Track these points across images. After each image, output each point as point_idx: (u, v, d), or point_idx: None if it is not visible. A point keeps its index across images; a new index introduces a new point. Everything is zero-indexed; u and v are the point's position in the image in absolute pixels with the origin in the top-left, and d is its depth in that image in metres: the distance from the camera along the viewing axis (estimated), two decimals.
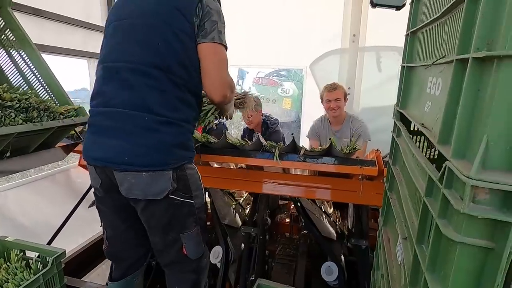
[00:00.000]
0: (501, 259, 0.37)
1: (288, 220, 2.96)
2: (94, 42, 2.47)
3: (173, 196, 1.08)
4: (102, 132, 1.07)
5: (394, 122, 0.97)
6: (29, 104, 1.15)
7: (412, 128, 0.88)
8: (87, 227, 2.58)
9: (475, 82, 0.38)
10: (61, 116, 1.28)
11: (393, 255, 0.86)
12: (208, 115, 1.44)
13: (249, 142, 1.59)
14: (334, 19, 3.25)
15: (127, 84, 1.05)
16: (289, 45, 3.55)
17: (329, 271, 1.78)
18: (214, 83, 1.09)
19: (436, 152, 0.74)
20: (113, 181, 1.10)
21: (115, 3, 1.19)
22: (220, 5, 1.14)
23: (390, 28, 2.74)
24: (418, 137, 0.85)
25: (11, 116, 1.06)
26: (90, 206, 2.23)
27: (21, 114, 1.11)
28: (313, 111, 3.54)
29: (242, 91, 1.81)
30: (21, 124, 1.09)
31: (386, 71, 3.17)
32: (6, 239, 1.72)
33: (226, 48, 1.10)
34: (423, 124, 0.65)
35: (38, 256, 1.71)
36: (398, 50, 3.05)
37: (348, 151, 1.47)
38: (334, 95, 2.35)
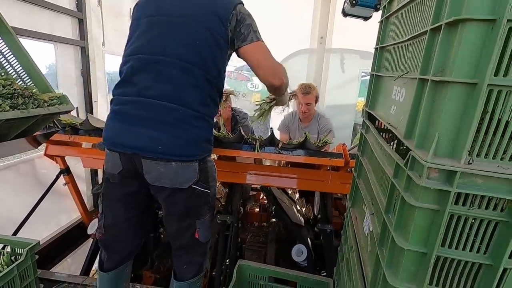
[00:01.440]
0: (443, 217, 0.55)
1: (257, 209, 3.13)
2: (62, 26, 2.34)
3: (195, 186, 1.17)
4: (134, 121, 1.10)
5: (363, 120, 1.16)
6: (13, 91, 1.13)
7: (376, 126, 1.07)
8: (52, 220, 2.48)
9: (431, 96, 0.55)
10: (45, 104, 1.26)
11: (360, 230, 1.05)
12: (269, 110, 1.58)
13: (231, 134, 1.70)
14: (304, 21, 3.45)
15: (165, 77, 1.10)
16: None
17: (299, 252, 1.98)
18: (267, 71, 1.21)
19: (394, 146, 0.94)
20: (138, 168, 1.14)
21: (142, 1, 1.21)
22: None
23: (354, 33, 3.02)
24: (381, 133, 1.04)
25: None
26: (95, 191, 2.17)
27: (7, 101, 1.09)
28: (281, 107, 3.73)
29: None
30: (7, 111, 1.07)
31: (348, 72, 3.47)
32: None
33: (263, 41, 1.22)
34: (389, 123, 0.82)
35: (3, 248, 1.65)
36: (359, 53, 3.36)
37: (320, 144, 1.66)
38: (306, 99, 2.54)
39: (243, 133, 1.68)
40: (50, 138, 1.84)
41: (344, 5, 1.92)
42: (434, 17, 0.56)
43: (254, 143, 1.64)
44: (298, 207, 2.68)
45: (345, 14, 1.89)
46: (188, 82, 1.10)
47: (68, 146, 2.12)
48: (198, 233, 1.24)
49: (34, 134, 1.44)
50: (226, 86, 5.04)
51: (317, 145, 1.67)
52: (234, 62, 4.85)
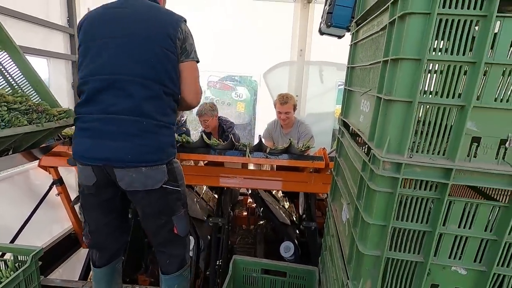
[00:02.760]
0: (395, 198, 0.75)
1: (245, 213, 3.29)
2: (55, 41, 2.43)
3: (166, 186, 1.33)
4: (104, 135, 1.24)
5: (339, 126, 1.38)
6: (28, 107, 1.25)
7: (350, 131, 1.29)
8: (45, 229, 2.51)
9: (384, 110, 0.76)
10: (55, 118, 1.38)
11: (339, 219, 1.25)
12: None
13: (222, 142, 1.87)
14: (283, 34, 3.71)
15: (127, 94, 1.24)
16: (242, 54, 3.89)
17: (287, 249, 2.16)
18: (192, 92, 1.39)
19: (365, 148, 1.15)
20: (111, 177, 1.28)
21: (90, 22, 1.31)
22: None
23: (331, 47, 3.30)
24: (354, 137, 1.25)
25: (18, 117, 1.16)
26: (73, 204, 2.23)
27: (24, 116, 1.21)
28: (265, 115, 3.95)
29: None
30: (25, 125, 1.19)
31: (326, 82, 3.76)
32: None
33: (198, 62, 1.40)
34: (359, 129, 1.04)
35: (1, 256, 1.71)
36: (336, 65, 3.65)
37: (303, 149, 1.87)
38: (284, 109, 2.77)
39: (233, 140, 1.85)
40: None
41: (320, 25, 2.17)
42: (385, 52, 0.78)
43: (245, 149, 1.82)
44: (284, 208, 2.87)
45: (321, 33, 2.14)
46: (147, 95, 1.25)
47: (61, 157, 2.20)
48: (176, 228, 1.40)
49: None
50: (211, 96, 5.18)
51: (301, 149, 1.87)
52: (218, 73, 5.04)
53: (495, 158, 0.71)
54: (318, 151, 2.14)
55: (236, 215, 3.13)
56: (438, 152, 0.73)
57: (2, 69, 1.36)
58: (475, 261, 0.78)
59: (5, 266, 1.59)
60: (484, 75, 0.67)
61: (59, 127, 1.39)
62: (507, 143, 0.69)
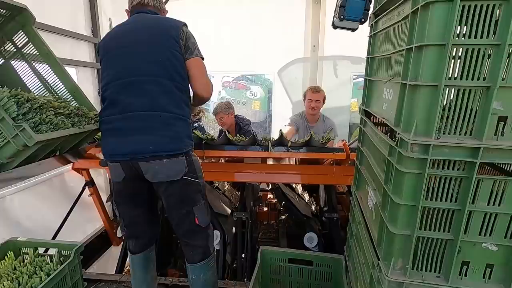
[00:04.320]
0: (424, 179, 0.79)
1: (266, 209, 3.35)
2: (82, 51, 2.58)
3: (186, 177, 1.43)
4: (127, 132, 1.37)
5: (361, 116, 1.41)
6: (70, 111, 1.36)
7: (372, 121, 1.32)
8: (79, 229, 2.66)
9: (410, 95, 0.80)
10: (92, 121, 1.49)
11: (365, 206, 1.29)
12: None
13: (245, 138, 1.94)
14: (296, 31, 3.75)
15: (142, 92, 1.37)
16: (256, 53, 3.96)
17: (310, 239, 2.20)
18: (202, 85, 1.49)
19: (389, 134, 1.19)
20: (138, 172, 1.40)
21: (106, 40, 1.48)
22: None
23: (344, 41, 3.31)
24: (377, 126, 1.29)
25: (63, 121, 1.26)
26: (108, 201, 2.37)
27: (68, 119, 1.32)
28: (282, 111, 4.00)
29: None
30: (69, 127, 1.30)
31: (341, 76, 3.76)
32: (18, 239, 1.83)
33: (203, 59, 1.51)
34: (383, 116, 1.08)
35: (45, 251, 1.84)
36: (350, 59, 3.65)
37: (324, 141, 1.91)
38: (316, 96, 2.81)
39: (256, 136, 1.92)
40: None
41: (333, 19, 2.20)
42: (408, 40, 0.82)
43: (266, 144, 1.88)
44: (305, 201, 2.91)
45: (334, 26, 2.16)
46: (161, 91, 1.37)
47: (92, 159, 2.33)
48: (198, 219, 1.49)
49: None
50: (227, 96, 5.26)
51: (322, 142, 1.92)
52: (232, 74, 5.13)
53: None
54: (338, 143, 2.17)
55: (257, 211, 3.20)
56: (465, 133, 0.77)
57: (45, 79, 1.48)
58: (505, 237, 0.81)
59: (50, 260, 1.72)
60: (508, 57, 0.70)
61: (97, 128, 1.49)
62: None
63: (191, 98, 1.55)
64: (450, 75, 0.74)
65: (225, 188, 3.05)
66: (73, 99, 1.57)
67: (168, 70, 1.39)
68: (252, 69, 4.51)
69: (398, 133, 0.85)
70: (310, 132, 1.91)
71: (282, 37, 3.78)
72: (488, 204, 0.80)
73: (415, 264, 0.88)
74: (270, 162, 2.55)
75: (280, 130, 2.00)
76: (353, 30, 2.28)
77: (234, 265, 2.35)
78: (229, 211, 2.66)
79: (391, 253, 0.91)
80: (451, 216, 0.83)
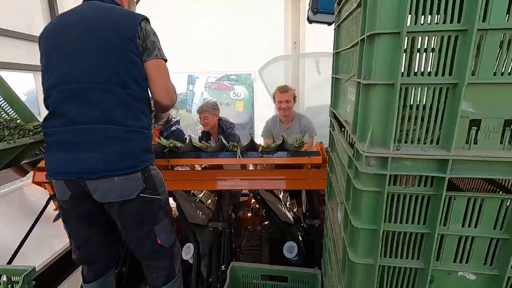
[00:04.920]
0: (384, 197, 0.65)
1: (250, 214, 3.20)
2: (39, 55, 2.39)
3: (143, 195, 1.25)
4: (72, 147, 1.18)
5: (330, 119, 1.27)
6: None
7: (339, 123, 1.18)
8: (45, 246, 2.48)
9: (364, 96, 0.66)
10: (30, 133, 1.32)
11: (335, 220, 1.15)
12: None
13: (212, 144, 1.78)
14: (276, 28, 3.59)
15: (90, 102, 1.17)
16: (237, 52, 3.81)
17: (290, 249, 2.06)
18: (162, 90, 1.29)
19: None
20: (85, 191, 1.22)
21: (48, 33, 1.26)
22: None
23: (326, 36, 3.17)
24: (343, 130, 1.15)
25: None
26: (55, 220, 2.19)
27: None
28: (265, 111, 3.85)
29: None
30: None
31: (324, 73, 3.61)
32: None
33: (166, 61, 1.31)
34: (346, 120, 0.93)
35: None
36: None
37: (297, 145, 1.76)
38: (284, 97, 2.66)
39: (224, 141, 1.76)
40: (37, 165, 1.88)
41: (308, 13, 2.06)
42: (361, 30, 0.67)
43: (236, 149, 1.72)
44: (288, 206, 2.77)
45: (310, 21, 2.03)
46: (112, 101, 1.18)
47: None
48: (160, 238, 1.32)
49: (21, 163, 1.48)
50: (209, 97, 5.09)
51: (295, 145, 1.77)
52: (216, 74, 4.97)
53: (500, 143, 0.60)
54: (315, 145, 2.03)
55: (240, 217, 3.05)
56: (431, 141, 0.62)
57: None
58: (485, 263, 0.67)
59: None
60: (478, 47, 0.56)
61: (35, 142, 1.32)
62: None
63: (153, 106, 1.37)
64: (409, 71, 0.60)
65: (202, 193, 2.90)
66: (11, 110, 1.40)
67: (121, 76, 1.19)
68: (234, 69, 4.37)
69: (354, 143, 0.70)
70: (282, 136, 1.76)
71: (262, 34, 3.63)
72: (462, 226, 0.66)
73: None
74: (251, 167, 2.40)
75: (251, 134, 1.85)
76: (329, 24, 2.14)
77: (210, 279, 2.19)
78: (206, 220, 2.50)
79: (354, 284, 0.76)
80: (419, 241, 0.69)
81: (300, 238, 2.33)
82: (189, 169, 2.40)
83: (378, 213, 0.67)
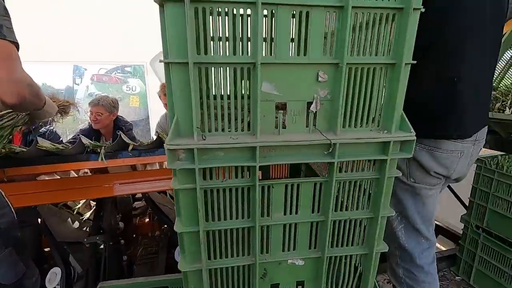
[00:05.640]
0: (197, 193, 0.57)
1: (147, 219, 2.92)
2: None
3: None
4: None
5: None
6: None
7: None
8: None
9: (168, 78, 0.55)
10: None
11: None
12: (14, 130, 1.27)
13: (69, 145, 1.47)
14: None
15: None
16: (128, 41, 3.40)
17: (179, 253, 1.92)
18: (3, 83, 0.94)
19: None
20: None
21: None
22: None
23: None
24: None
25: None
26: None
27: None
28: (160, 106, 3.56)
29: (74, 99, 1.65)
30: None
31: None
32: None
33: (15, 44, 0.97)
34: None
35: None
36: None
37: None
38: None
39: (84, 141, 1.48)
40: None
41: None
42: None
43: (99, 150, 1.46)
44: None
45: None
46: None
47: None
48: None
49: None
50: (97, 92, 4.44)
51: None
52: (105, 65, 4.35)
53: (306, 126, 0.59)
54: None
55: (136, 224, 2.75)
56: (242, 128, 0.57)
57: None
58: (309, 247, 0.67)
59: None
60: (272, 19, 0.52)
61: None
62: (313, 105, 0.57)
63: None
64: (206, 50, 0.52)
65: (80, 204, 2.48)
66: None
67: None
68: (126, 59, 3.91)
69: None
70: (156, 131, 1.59)
71: (154, 22, 3.31)
72: (284, 214, 0.63)
73: None
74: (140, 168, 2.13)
75: (117, 131, 1.61)
76: None
77: None
78: (83, 235, 2.13)
79: None
80: (247, 236, 0.64)
81: None
82: (58, 177, 1.99)
83: (200, 212, 0.59)
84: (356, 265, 0.70)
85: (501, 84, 1.66)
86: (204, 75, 0.52)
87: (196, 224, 0.60)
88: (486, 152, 1.75)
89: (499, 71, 1.66)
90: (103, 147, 1.47)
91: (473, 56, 0.77)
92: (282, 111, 0.56)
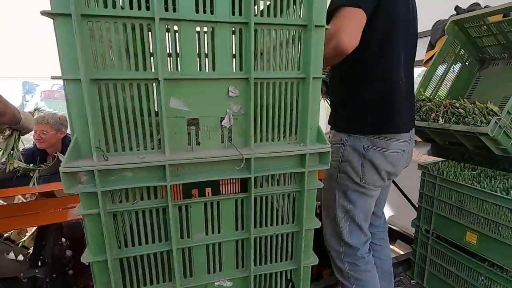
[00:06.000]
0: (102, 219, 0.52)
1: None
2: None
3: None
4: None
5: None
6: None
7: None
8: None
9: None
10: None
11: None
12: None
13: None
14: None
15: None
16: None
17: None
18: None
19: None
20: None
21: None
22: None
23: None
24: None
25: None
26: None
27: None
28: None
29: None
30: None
31: None
32: None
33: None
34: None
35: None
36: None
37: None
38: None
39: (16, 165, 1.35)
40: None
41: None
42: None
43: (31, 174, 1.34)
44: None
45: None
46: None
47: None
48: None
49: None
50: (47, 109, 4.16)
51: None
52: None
53: (222, 142, 0.58)
54: None
55: None
56: (153, 147, 0.54)
57: None
58: (237, 267, 0.65)
59: None
60: (168, 31, 0.51)
61: None
62: (225, 120, 0.56)
63: None
64: (105, 64, 0.50)
65: (27, 236, 2.24)
66: None
67: None
68: None
69: None
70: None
71: None
72: (206, 234, 0.61)
73: None
74: None
75: (55, 153, 1.50)
76: None
77: None
78: (22, 268, 1.92)
79: None
80: (167, 260, 0.60)
81: None
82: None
83: (108, 240, 0.54)
84: (289, 278, 0.69)
85: (436, 96, 1.80)
86: (104, 92, 0.49)
87: (104, 252, 0.55)
88: (428, 159, 1.87)
89: (434, 84, 1.80)
90: (36, 171, 1.35)
91: (408, 64, 0.92)
92: (194, 127, 0.55)
